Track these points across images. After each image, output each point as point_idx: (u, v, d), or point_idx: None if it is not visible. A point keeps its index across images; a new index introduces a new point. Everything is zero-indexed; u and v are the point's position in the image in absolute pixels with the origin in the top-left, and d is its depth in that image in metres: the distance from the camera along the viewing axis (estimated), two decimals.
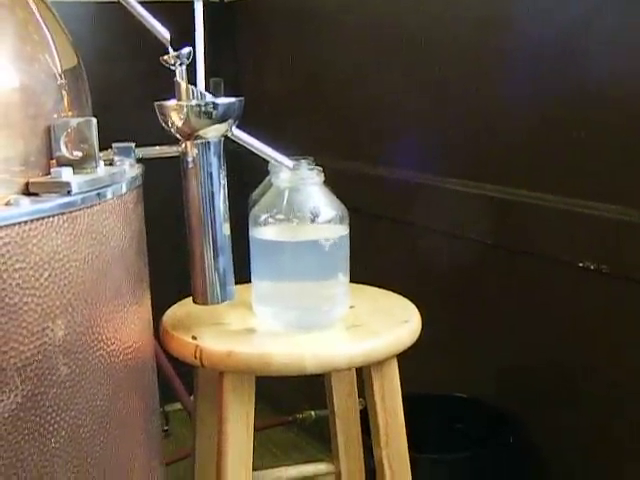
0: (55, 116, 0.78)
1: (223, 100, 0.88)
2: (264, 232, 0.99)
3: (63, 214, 0.74)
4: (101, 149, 0.82)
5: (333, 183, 1.01)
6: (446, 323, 1.51)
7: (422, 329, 1.01)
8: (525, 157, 1.36)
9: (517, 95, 1.35)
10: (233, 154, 1.00)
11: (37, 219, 0.72)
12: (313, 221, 0.97)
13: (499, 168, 1.40)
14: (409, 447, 1.04)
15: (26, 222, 0.71)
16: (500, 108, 1.39)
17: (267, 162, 1.01)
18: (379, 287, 1.13)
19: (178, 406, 1.89)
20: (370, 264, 1.01)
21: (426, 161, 1.55)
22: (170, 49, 0.86)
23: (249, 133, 0.95)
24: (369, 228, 1.61)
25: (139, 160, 0.91)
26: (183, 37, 0.89)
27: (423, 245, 1.57)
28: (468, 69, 1.45)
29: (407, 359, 1.01)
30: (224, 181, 0.92)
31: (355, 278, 1.05)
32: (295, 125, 1.93)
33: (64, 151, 0.78)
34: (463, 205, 1.46)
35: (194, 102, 0.87)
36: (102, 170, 0.81)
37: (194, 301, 0.95)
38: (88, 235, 0.77)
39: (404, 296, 1.09)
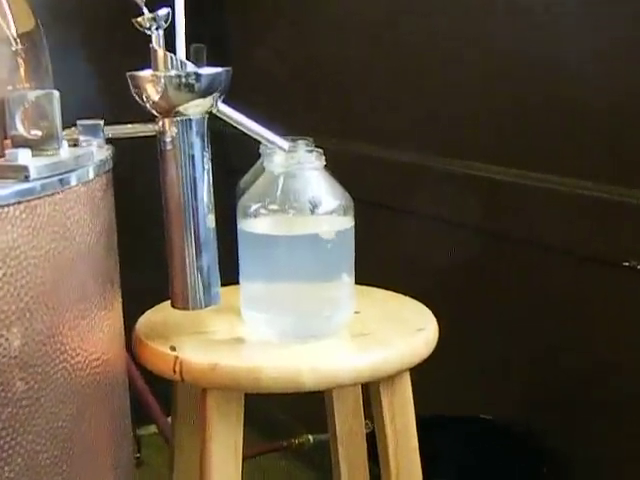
0: (9, 88, 0.79)
1: (207, 70, 0.88)
2: (255, 225, 0.99)
3: (20, 203, 0.74)
4: (64, 127, 0.82)
5: (335, 168, 1.01)
6: (463, 331, 1.51)
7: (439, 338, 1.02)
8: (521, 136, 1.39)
9: (513, 68, 1.39)
10: (218, 134, 1.00)
11: None
12: (312, 212, 0.97)
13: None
14: (423, 476, 1.04)
15: None
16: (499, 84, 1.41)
17: (258, 143, 1.01)
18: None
19: (153, 429, 1.89)
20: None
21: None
22: (145, 10, 0.86)
23: (237, 109, 0.95)
24: (372, 219, 1.62)
25: (109, 140, 0.91)
26: None
27: (426, 235, 1.58)
28: (460, 45, 1.49)
29: (421, 373, 1.01)
30: (208, 165, 0.92)
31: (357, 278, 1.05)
32: (292, 100, 1.92)
33: (20, 129, 0.78)
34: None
35: (173, 72, 0.87)
36: (65, 152, 0.81)
37: (173, 305, 0.95)
38: (49, 228, 0.77)
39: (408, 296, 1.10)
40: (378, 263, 1.20)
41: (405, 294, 1.11)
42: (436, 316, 1.05)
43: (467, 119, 1.50)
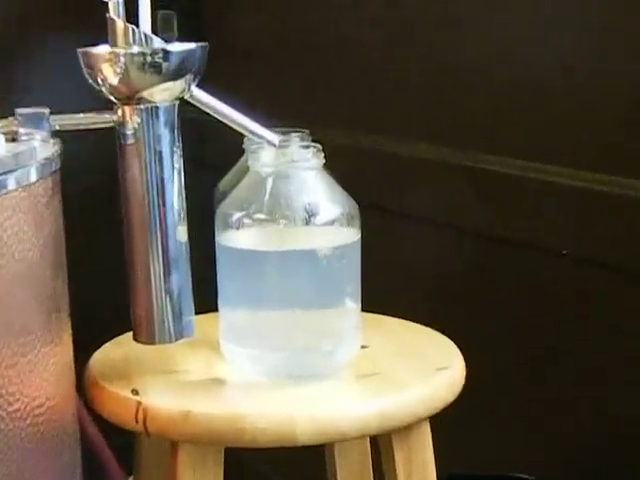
0: None
1: (178, 46, 0.88)
2: (237, 238, 0.99)
3: None
4: (0, 117, 0.82)
5: (338, 167, 1.01)
6: (495, 365, 1.51)
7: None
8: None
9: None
10: (192, 125, 1.00)
11: None
12: (309, 222, 0.97)
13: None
14: None
15: None
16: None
17: (242, 136, 1.01)
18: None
19: None
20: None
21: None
22: None
23: (215, 94, 0.95)
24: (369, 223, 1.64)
25: (56, 133, 0.91)
26: None
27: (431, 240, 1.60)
28: (455, 23, 1.53)
29: (443, 423, 1.01)
30: (179, 164, 0.92)
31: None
32: (282, 82, 1.92)
33: None
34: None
35: (135, 49, 0.87)
36: (2, 148, 0.81)
37: (135, 339, 0.95)
38: None
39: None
40: (372, 273, 1.22)
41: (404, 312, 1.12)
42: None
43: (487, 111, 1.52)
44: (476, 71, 1.50)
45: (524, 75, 1.42)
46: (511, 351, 1.53)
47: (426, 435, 1.01)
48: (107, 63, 0.87)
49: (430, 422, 1.01)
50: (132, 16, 0.88)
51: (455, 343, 1.07)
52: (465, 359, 1.04)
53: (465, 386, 1.02)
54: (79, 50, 0.88)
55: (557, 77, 1.37)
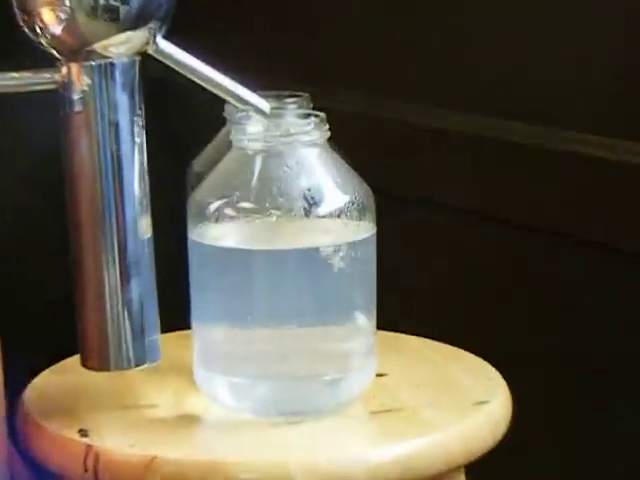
0: None
1: None
2: (216, 234, 0.98)
3: None
4: None
5: (347, 142, 1.00)
6: (549, 397, 1.51)
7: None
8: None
9: None
10: (158, 87, 0.99)
11: None
12: (309, 214, 0.97)
13: None
14: None
15: None
16: None
17: (222, 102, 1.01)
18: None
19: None
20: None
21: None
22: None
23: (188, 49, 0.94)
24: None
25: None
26: None
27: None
28: None
29: (483, 471, 1.01)
30: (141, 137, 0.91)
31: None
32: (274, 33, 1.93)
33: None
34: None
35: None
36: None
37: (84, 364, 0.94)
38: None
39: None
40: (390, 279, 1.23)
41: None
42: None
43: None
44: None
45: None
46: (572, 377, 1.53)
47: None
48: (48, 7, 0.86)
49: (466, 471, 1.01)
50: None
51: (498, 369, 1.07)
52: (511, 390, 1.04)
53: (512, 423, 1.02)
54: None
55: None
